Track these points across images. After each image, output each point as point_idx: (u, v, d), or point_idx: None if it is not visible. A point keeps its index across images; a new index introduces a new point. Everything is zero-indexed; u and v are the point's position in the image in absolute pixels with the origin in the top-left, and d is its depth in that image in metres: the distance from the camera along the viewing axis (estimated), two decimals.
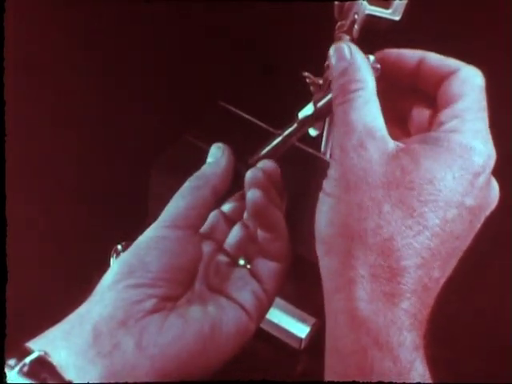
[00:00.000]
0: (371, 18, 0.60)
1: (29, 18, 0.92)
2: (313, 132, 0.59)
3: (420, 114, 0.51)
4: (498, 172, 0.47)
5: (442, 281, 0.45)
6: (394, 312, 0.43)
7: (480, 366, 0.69)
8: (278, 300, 0.69)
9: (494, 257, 0.75)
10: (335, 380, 0.44)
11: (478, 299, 0.73)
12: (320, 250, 0.46)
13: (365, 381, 0.42)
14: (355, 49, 0.49)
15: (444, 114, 0.47)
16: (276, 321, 0.68)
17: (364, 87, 0.47)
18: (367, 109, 0.46)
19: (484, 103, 0.48)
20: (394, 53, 0.51)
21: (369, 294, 0.43)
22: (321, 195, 0.47)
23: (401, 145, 0.46)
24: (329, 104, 0.51)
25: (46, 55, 0.90)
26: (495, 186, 0.47)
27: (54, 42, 0.91)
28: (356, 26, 0.59)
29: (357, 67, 0.48)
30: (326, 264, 0.46)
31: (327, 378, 0.45)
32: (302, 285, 0.62)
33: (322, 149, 0.71)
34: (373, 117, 0.46)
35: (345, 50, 0.49)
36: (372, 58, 0.50)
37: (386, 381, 0.42)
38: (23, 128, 0.80)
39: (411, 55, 0.51)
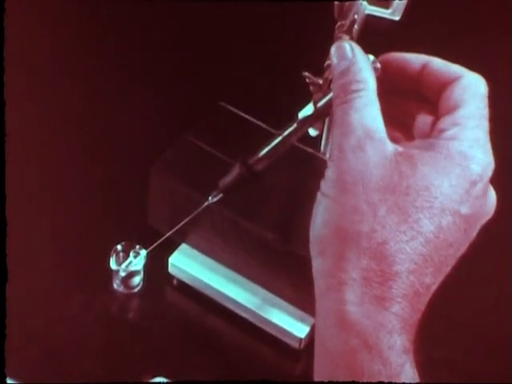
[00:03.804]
0: (371, 18, 0.60)
1: (29, 18, 0.92)
2: (313, 132, 0.59)
3: (422, 119, 0.50)
4: (498, 174, 0.47)
5: (434, 287, 0.45)
6: (384, 315, 0.43)
7: (480, 366, 0.69)
8: (277, 300, 0.69)
9: (493, 257, 0.75)
10: (325, 380, 0.43)
11: (477, 299, 0.73)
12: (313, 250, 0.46)
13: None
14: (357, 48, 0.48)
15: (444, 121, 0.47)
16: (276, 321, 0.68)
17: (365, 88, 0.47)
18: (367, 110, 0.46)
19: (485, 111, 0.47)
20: (398, 56, 0.51)
21: (359, 296, 0.43)
22: (318, 195, 0.47)
23: (400, 148, 0.45)
24: (329, 104, 0.51)
25: (45, 55, 0.90)
26: (492, 194, 0.47)
27: (54, 42, 0.92)
28: (356, 26, 0.59)
29: (358, 67, 0.48)
30: (319, 264, 0.46)
31: (317, 378, 0.44)
32: (301, 285, 0.62)
33: (322, 149, 0.71)
34: (372, 118, 0.46)
35: (347, 49, 0.48)
36: (372, 57, 0.50)
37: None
38: (23, 128, 0.80)
39: (415, 59, 0.50)
